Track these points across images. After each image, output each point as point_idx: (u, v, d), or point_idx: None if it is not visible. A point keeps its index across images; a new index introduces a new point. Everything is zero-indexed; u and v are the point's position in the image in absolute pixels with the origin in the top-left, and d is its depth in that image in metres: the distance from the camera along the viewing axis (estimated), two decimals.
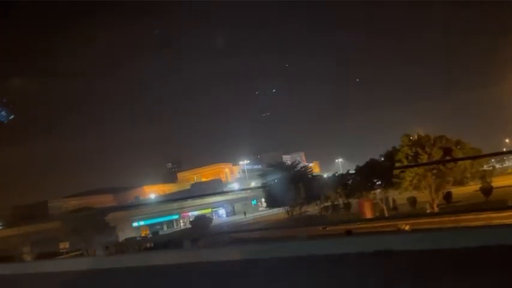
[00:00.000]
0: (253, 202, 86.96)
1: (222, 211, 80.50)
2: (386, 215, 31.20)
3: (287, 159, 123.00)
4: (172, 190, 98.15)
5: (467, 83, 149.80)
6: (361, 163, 39.27)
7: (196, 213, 76.19)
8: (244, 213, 70.53)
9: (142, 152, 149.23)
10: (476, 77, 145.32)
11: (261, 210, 78.85)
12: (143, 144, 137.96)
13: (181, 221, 71.25)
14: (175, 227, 68.38)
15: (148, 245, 36.54)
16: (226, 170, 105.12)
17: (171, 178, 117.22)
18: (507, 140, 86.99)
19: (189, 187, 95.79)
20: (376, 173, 29.94)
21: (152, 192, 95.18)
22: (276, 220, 43.71)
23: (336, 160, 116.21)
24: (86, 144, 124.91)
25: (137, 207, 64.87)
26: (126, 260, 7.25)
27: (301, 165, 43.32)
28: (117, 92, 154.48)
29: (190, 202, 71.17)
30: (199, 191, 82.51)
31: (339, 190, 32.07)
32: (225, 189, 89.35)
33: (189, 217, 75.05)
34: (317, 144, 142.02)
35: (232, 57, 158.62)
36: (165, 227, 65.40)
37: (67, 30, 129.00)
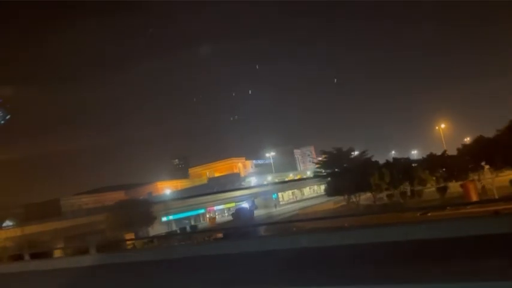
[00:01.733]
0: (274, 196, 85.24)
1: (245, 205, 78.27)
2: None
3: (297, 153, 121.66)
4: (185, 186, 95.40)
5: None
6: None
7: (221, 207, 74.09)
8: (275, 206, 68.60)
9: (146, 149, 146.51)
10: None
11: (283, 204, 77.20)
12: (146, 142, 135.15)
13: (207, 215, 68.92)
14: (201, 221, 65.96)
15: (218, 235, 34.00)
16: (240, 164, 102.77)
17: (180, 174, 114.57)
18: None
19: (203, 182, 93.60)
20: (491, 151, 27.24)
21: (165, 188, 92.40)
22: (329, 210, 41.64)
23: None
24: (88, 143, 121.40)
25: (164, 202, 62.18)
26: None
27: (355, 152, 41.31)
28: (120, 91, 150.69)
29: (214, 196, 69.34)
30: (217, 186, 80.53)
31: (440, 172, 29.68)
32: (243, 183, 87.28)
33: (214, 211, 72.85)
34: (326, 138, 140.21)
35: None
36: (192, 221, 62.89)
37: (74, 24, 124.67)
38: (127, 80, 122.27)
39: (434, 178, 30.09)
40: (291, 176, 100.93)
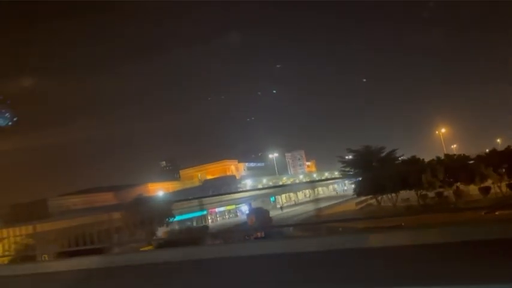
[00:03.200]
0: (272, 199, 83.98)
1: (244, 207, 76.48)
2: None
3: (288, 157, 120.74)
4: (177, 188, 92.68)
5: None
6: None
7: (222, 209, 72.13)
8: (281, 208, 67.23)
9: (132, 151, 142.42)
10: None
11: (285, 207, 75.92)
12: (133, 144, 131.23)
13: (209, 217, 66.77)
14: (203, 223, 63.70)
15: (259, 234, 32.02)
16: (233, 167, 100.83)
17: (168, 176, 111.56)
18: None
19: (194, 184, 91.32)
20: None
21: (157, 190, 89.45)
22: (353, 211, 40.35)
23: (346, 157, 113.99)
24: (72, 142, 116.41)
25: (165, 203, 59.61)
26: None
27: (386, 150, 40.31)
28: (111, 90, 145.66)
29: (215, 198, 67.50)
30: (212, 188, 78.53)
31: (503, 169, 28.59)
32: (239, 186, 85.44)
33: (215, 213, 70.83)
34: (315, 144, 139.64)
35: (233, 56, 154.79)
36: (194, 223, 60.58)
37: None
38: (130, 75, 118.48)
39: (497, 175, 29.24)
40: (284, 179, 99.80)
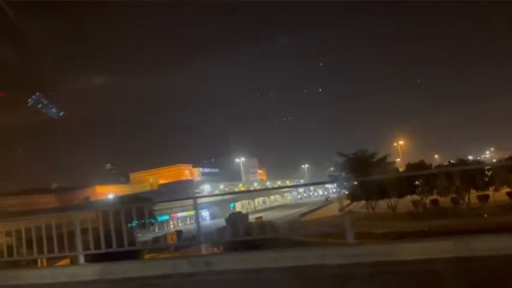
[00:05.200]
0: (231, 205, 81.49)
1: (206, 213, 73.07)
2: None
3: (241, 163, 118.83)
4: (127, 191, 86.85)
5: None
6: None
7: (184, 214, 68.32)
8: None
9: (75, 152, 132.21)
10: None
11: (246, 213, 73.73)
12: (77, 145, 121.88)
13: (170, 222, 62.76)
14: (165, 228, 59.70)
15: None
16: (187, 171, 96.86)
17: (115, 179, 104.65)
18: None
19: (145, 188, 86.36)
20: None
21: (106, 193, 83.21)
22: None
23: (302, 166, 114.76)
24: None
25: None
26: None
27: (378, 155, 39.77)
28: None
29: (177, 203, 64.09)
30: (169, 192, 74.58)
31: None
32: (196, 191, 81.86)
33: (177, 218, 66.86)
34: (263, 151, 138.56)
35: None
36: (156, 229, 56.39)
37: None
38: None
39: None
40: (240, 186, 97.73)
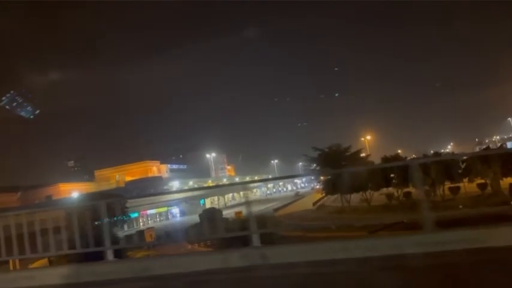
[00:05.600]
0: (202, 201, 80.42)
1: (176, 210, 71.85)
2: None
3: (210, 159, 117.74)
4: (92, 189, 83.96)
5: None
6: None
7: (153, 211, 66.83)
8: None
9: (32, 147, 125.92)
10: None
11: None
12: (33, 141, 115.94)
13: (140, 220, 61.07)
14: (135, 226, 57.96)
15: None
16: (154, 168, 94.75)
17: (79, 177, 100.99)
18: None
19: (111, 186, 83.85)
20: None
21: (70, 191, 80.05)
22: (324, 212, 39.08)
23: (272, 161, 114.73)
24: None
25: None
26: None
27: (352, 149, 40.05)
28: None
29: (146, 199, 62.26)
30: (137, 189, 72.64)
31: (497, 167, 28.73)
32: (165, 188, 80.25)
33: (147, 215, 65.20)
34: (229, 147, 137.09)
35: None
36: (125, 227, 54.63)
37: None
38: None
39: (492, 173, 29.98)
40: (209, 182, 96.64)
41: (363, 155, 41.71)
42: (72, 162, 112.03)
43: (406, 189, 33.67)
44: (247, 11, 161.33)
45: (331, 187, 36.12)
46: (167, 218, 69.58)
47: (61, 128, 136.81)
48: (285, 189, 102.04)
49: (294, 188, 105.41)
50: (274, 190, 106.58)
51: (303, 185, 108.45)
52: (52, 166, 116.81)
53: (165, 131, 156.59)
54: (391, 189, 33.70)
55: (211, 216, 43.72)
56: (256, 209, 63.74)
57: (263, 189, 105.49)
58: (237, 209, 65.05)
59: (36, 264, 16.09)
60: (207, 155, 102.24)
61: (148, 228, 43.72)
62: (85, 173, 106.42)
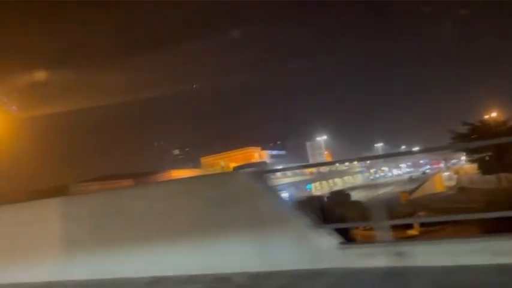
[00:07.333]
0: (308, 187, 79.57)
1: (285, 195, 71.42)
2: None
3: (308, 146, 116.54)
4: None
5: None
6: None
7: None
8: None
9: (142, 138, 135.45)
10: None
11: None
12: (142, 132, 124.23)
13: None
14: None
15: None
16: (256, 154, 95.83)
17: (183, 164, 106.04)
18: None
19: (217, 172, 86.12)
20: None
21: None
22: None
23: (375, 145, 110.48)
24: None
25: None
26: None
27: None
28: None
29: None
30: None
31: None
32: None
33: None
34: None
35: None
36: None
37: None
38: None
39: None
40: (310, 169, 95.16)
41: None
42: (177, 150, 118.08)
43: None
44: None
45: (487, 165, 32.34)
46: None
47: (158, 121, 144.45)
48: (390, 174, 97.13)
49: (400, 172, 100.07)
50: (377, 175, 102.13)
51: (408, 169, 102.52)
52: (158, 155, 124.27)
53: (262, 118, 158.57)
54: None
55: (344, 198, 42.01)
56: (375, 193, 60.86)
57: (366, 174, 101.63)
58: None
59: None
60: (317, 138, 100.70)
61: None
62: (189, 160, 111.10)
